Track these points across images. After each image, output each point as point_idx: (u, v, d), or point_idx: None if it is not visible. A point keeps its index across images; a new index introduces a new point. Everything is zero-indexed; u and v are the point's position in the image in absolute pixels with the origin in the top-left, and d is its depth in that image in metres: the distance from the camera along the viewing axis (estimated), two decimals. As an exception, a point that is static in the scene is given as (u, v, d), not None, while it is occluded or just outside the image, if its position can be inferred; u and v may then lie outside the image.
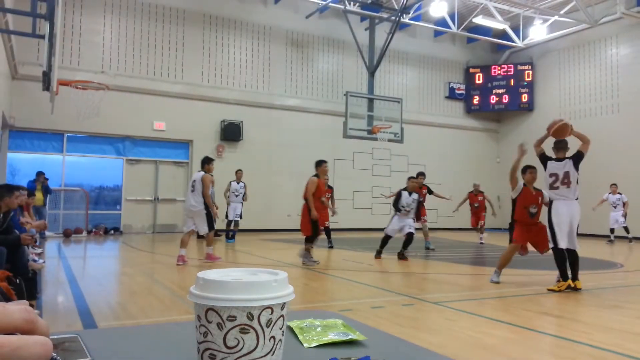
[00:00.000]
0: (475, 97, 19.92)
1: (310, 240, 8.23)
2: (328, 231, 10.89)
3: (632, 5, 15.43)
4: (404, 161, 18.38)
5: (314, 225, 8.15)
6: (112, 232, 14.06)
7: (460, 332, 4.03)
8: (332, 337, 1.06)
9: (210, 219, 8.12)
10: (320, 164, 8.76)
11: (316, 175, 8.63)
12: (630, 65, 16.01)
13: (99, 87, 10.66)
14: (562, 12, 16.34)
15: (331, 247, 11.06)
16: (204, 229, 8.10)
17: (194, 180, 8.24)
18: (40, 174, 12.25)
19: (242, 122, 15.64)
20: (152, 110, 14.61)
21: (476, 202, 12.86)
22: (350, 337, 1.06)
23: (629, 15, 15.19)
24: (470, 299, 5.63)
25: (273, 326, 0.68)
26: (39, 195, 11.83)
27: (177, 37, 15.20)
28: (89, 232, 13.70)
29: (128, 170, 14.66)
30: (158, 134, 14.85)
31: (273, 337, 0.68)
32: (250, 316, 0.66)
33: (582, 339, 3.86)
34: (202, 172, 8.29)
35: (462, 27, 17.61)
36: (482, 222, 12.90)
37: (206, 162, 8.39)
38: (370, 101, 15.23)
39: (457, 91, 19.91)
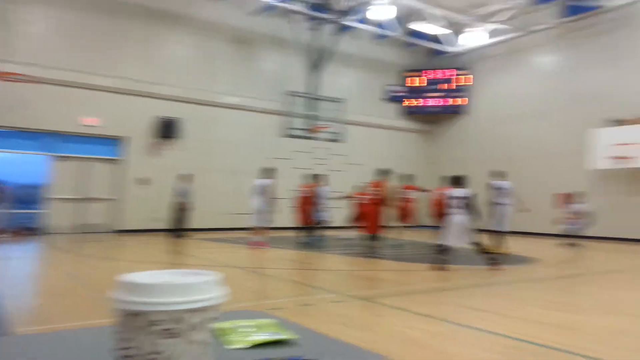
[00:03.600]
0: (412, 99, 20.53)
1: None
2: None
3: (562, 16, 16.40)
4: (343, 161, 18.64)
5: None
6: (35, 232, 13.23)
7: (388, 327, 4.17)
8: (262, 337, 1.08)
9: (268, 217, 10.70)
10: None
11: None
12: (560, 74, 16.96)
13: (27, 79, 10.04)
14: (497, 20, 17.09)
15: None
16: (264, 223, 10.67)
17: (261, 186, 10.60)
18: None
19: (181, 119, 15.24)
20: (84, 104, 13.87)
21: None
22: (281, 336, 1.09)
23: (559, 26, 16.15)
24: (398, 295, 5.81)
25: (202, 329, 0.67)
26: None
27: (115, 30, 14.52)
28: (9, 232, 12.81)
29: (55, 168, 13.85)
30: (89, 129, 14.13)
31: (201, 340, 0.67)
32: (177, 320, 0.64)
33: (500, 330, 4.11)
34: (269, 180, 10.61)
35: (402, 31, 18.09)
36: None
37: (269, 171, 10.79)
38: (312, 101, 15.32)
39: (394, 93, 20.43)
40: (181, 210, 13.17)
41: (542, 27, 16.78)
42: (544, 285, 6.93)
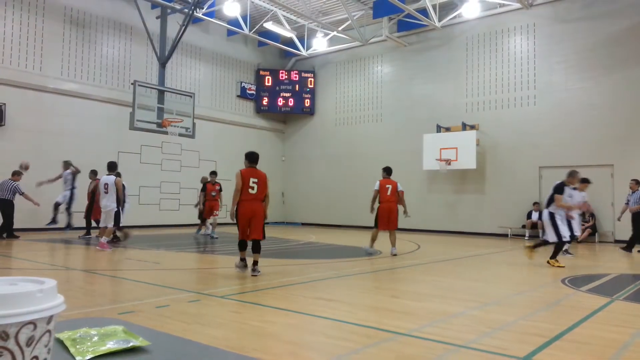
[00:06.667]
0: (264, 98, 20.77)
1: None
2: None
3: (394, 31, 18.06)
4: (195, 157, 18.11)
5: None
6: None
7: (244, 323, 4.18)
8: (110, 346, 0.98)
9: (118, 216, 9.84)
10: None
11: None
12: (391, 82, 18.77)
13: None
14: (339, 28, 18.23)
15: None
16: (110, 223, 9.80)
17: (108, 183, 9.67)
18: None
19: (4, 104, 13.33)
20: None
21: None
22: (132, 344, 1.00)
23: (391, 39, 17.76)
24: (254, 290, 5.86)
25: (36, 344, 0.59)
26: None
27: None
28: None
29: None
30: None
31: (36, 357, 0.60)
32: (4, 335, 0.56)
33: (348, 319, 4.38)
34: (114, 176, 9.75)
35: (253, 30, 18.19)
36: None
37: (116, 167, 10.03)
38: (161, 93, 14.54)
39: (248, 91, 20.44)
40: (7, 207, 11.73)
41: (377, 39, 18.38)
42: (386, 275, 7.55)
